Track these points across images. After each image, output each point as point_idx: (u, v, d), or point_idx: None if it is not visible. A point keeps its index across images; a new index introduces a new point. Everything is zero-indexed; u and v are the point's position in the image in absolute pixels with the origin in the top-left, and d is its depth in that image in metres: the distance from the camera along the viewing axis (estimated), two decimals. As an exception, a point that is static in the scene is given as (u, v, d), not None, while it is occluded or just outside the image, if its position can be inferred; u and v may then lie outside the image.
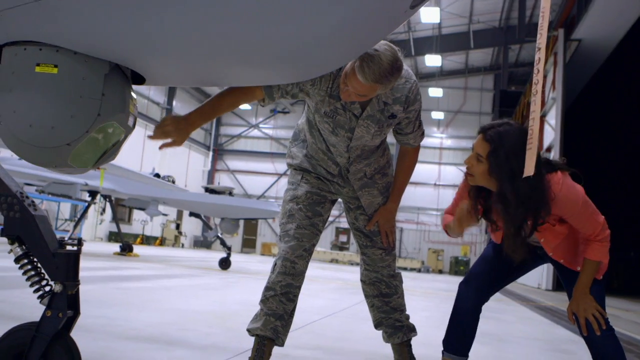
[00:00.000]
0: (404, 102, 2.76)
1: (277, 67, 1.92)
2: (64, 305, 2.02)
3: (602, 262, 2.55)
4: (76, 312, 2.10)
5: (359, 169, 2.99)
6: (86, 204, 14.13)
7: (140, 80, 2.08)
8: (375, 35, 1.89)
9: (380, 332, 3.23)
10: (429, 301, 9.31)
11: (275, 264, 2.91)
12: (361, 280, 3.18)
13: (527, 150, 2.32)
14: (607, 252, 2.54)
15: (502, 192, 2.44)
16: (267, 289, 2.88)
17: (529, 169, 2.28)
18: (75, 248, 2.09)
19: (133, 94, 1.96)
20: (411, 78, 2.78)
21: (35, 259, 2.11)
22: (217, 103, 2.64)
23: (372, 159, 3.01)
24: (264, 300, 2.87)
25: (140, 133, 30.98)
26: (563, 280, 2.76)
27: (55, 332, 2.01)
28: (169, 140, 2.49)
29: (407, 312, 3.18)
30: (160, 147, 2.47)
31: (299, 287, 2.91)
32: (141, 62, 1.87)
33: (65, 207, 26.21)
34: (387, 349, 3.50)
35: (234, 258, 16.71)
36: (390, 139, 3.13)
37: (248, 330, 2.91)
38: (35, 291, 2.11)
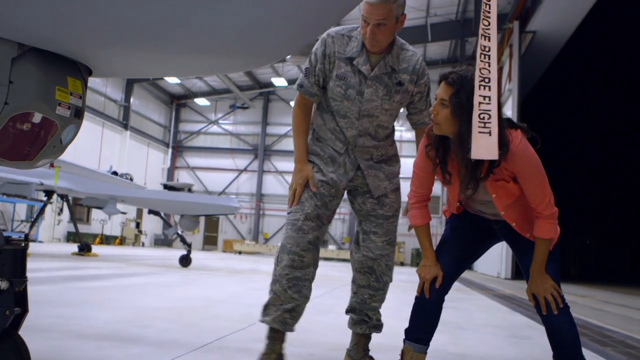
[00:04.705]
0: (412, 73, 2.99)
1: (227, 55, 1.89)
2: (11, 302, 1.97)
3: (553, 238, 2.63)
4: (24, 310, 2.06)
5: (366, 147, 3.09)
6: (42, 204, 13.87)
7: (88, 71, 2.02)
8: (333, 15, 1.86)
9: (346, 318, 3.31)
10: (389, 292, 9.36)
11: (279, 257, 2.97)
12: (355, 269, 3.23)
13: (482, 133, 2.35)
14: (556, 229, 2.63)
15: (461, 131, 2.51)
16: (274, 282, 2.95)
17: (491, 153, 2.34)
18: (22, 245, 2.04)
19: (77, 83, 1.89)
20: (417, 53, 3.03)
21: (-20, 256, 2.05)
22: (303, 132, 3.12)
23: (381, 144, 3.12)
24: (274, 296, 2.95)
25: (97, 131, 30.55)
26: (517, 254, 2.84)
27: (2, 330, 1.97)
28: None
29: (380, 312, 3.27)
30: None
31: (309, 280, 2.98)
32: (78, 50, 1.81)
33: (21, 208, 25.65)
34: (348, 340, 3.50)
35: (195, 255, 16.57)
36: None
37: (261, 321, 3.00)
38: (-19, 289, 2.05)
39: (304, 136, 3.12)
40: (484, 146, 2.35)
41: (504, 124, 2.53)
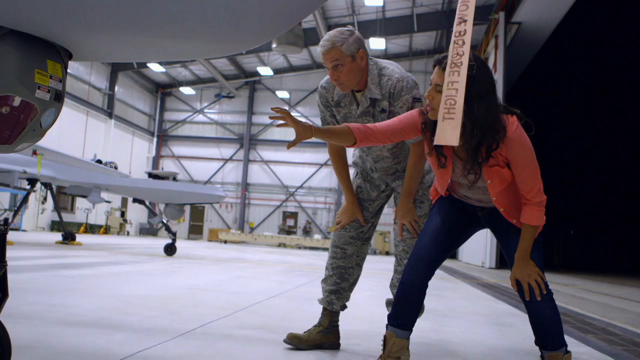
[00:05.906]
0: (388, 97, 3.11)
1: (209, 39, 1.88)
2: (-9, 287, 1.96)
3: (540, 225, 2.65)
4: (4, 295, 2.04)
5: (388, 166, 3.40)
6: (25, 192, 13.76)
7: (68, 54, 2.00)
8: (309, 5, 1.86)
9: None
10: (373, 281, 9.41)
11: (329, 249, 3.51)
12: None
13: (447, 119, 2.36)
14: (543, 217, 2.66)
15: None
16: (325, 268, 3.54)
17: (452, 139, 2.33)
18: (1, 229, 2.03)
19: (57, 66, 1.87)
20: (393, 76, 3.10)
21: (-41, 242, 2.03)
22: (344, 173, 3.45)
23: (401, 157, 3.35)
24: (323, 280, 3.53)
25: (81, 119, 30.32)
26: (500, 242, 2.85)
27: (-18, 314, 1.96)
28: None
29: None
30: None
31: (353, 267, 3.49)
32: (58, 33, 1.79)
33: (4, 197, 25.44)
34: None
35: (181, 244, 16.54)
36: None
37: (318, 300, 3.55)
38: (-39, 274, 2.04)
39: (346, 177, 3.45)
40: (446, 132, 2.35)
41: (500, 109, 2.55)
